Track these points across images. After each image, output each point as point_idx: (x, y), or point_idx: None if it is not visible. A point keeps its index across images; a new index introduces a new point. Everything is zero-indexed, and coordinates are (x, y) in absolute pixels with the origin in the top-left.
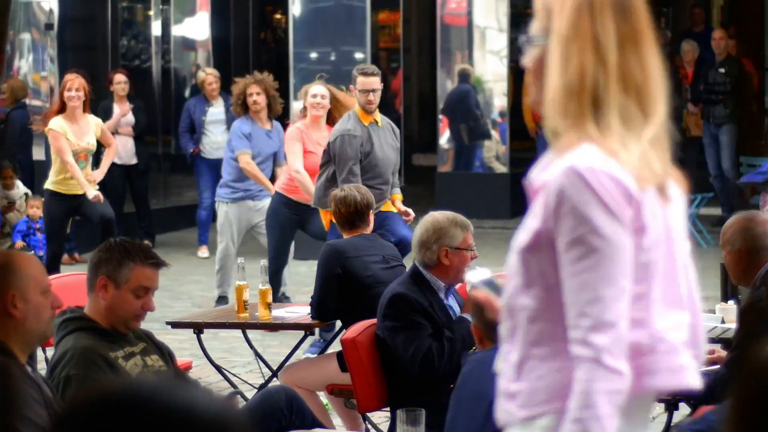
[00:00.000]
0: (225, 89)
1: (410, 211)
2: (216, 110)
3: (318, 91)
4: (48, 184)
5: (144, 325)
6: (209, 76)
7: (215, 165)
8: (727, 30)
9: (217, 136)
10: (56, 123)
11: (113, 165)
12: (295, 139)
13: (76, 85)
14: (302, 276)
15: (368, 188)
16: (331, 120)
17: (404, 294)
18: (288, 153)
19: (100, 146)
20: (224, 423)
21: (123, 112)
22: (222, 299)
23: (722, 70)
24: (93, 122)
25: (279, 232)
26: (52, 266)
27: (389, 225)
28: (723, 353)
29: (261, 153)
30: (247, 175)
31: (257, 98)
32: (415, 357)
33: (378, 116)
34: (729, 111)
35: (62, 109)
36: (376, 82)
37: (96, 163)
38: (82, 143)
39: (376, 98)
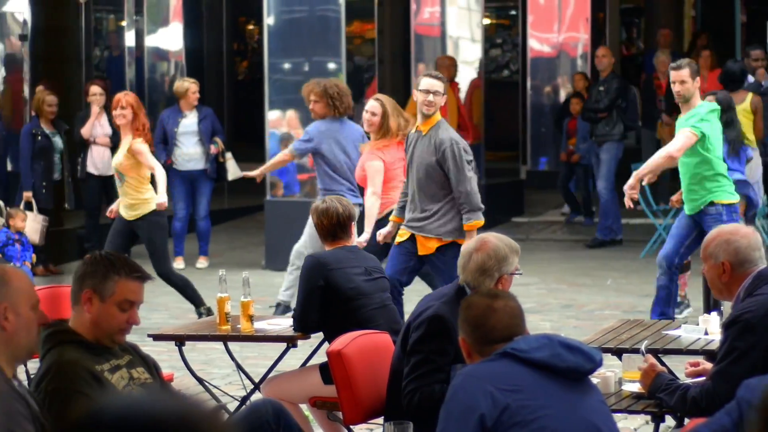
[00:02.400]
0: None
1: None
2: (189, 121)
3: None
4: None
5: (128, 340)
6: (192, 84)
7: (188, 176)
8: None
9: (189, 147)
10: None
11: (90, 175)
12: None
13: (122, 103)
14: (279, 287)
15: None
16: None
17: (444, 318)
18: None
19: None
20: (196, 426)
21: (95, 119)
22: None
23: (602, 89)
24: (126, 142)
25: None
26: None
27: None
28: (708, 365)
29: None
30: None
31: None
32: (413, 394)
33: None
34: (609, 129)
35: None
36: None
37: None
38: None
39: (437, 100)
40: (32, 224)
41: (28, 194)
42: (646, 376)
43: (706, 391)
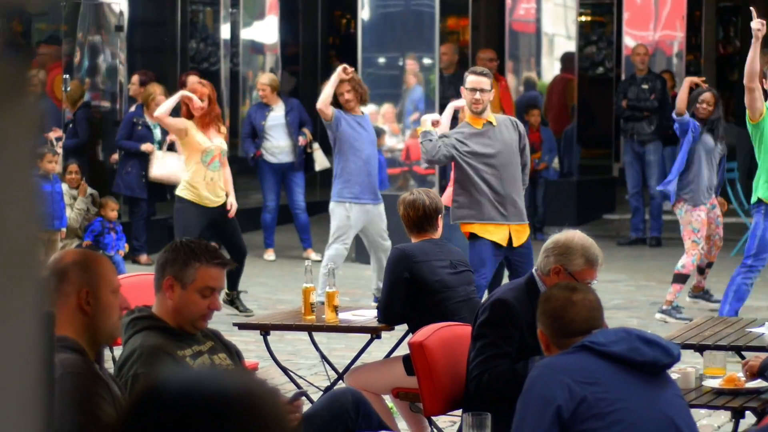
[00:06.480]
0: (294, 93)
1: None
2: (276, 114)
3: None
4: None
5: (210, 327)
6: (259, 82)
7: (278, 169)
8: None
9: (278, 140)
10: (180, 120)
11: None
12: None
13: (203, 97)
14: (368, 280)
15: (496, 194)
16: None
17: (507, 302)
18: None
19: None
20: (257, 401)
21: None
22: None
23: (645, 86)
24: (223, 131)
25: None
26: None
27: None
28: None
29: None
30: None
31: None
32: (480, 377)
33: (491, 117)
34: (654, 128)
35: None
36: (485, 83)
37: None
38: (216, 143)
39: (483, 98)
40: (173, 161)
41: (146, 146)
42: (756, 358)
43: None
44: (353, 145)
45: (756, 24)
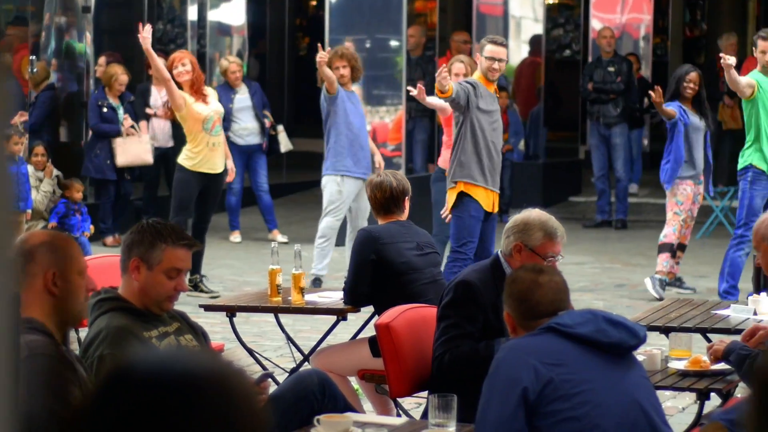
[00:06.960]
0: (260, 76)
1: None
2: (242, 97)
3: (459, 69)
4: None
5: (177, 308)
6: (232, 64)
7: (246, 151)
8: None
9: (246, 122)
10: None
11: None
12: None
13: (183, 60)
14: (334, 262)
15: (493, 157)
16: None
17: (471, 283)
18: None
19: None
20: (225, 381)
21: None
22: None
23: (611, 69)
24: (212, 92)
25: None
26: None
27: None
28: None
29: None
30: None
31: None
32: (442, 357)
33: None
34: (620, 110)
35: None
36: (503, 53)
37: None
38: (213, 107)
39: (501, 67)
40: (143, 146)
41: (128, 129)
42: (721, 342)
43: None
44: (347, 118)
45: (726, 66)
